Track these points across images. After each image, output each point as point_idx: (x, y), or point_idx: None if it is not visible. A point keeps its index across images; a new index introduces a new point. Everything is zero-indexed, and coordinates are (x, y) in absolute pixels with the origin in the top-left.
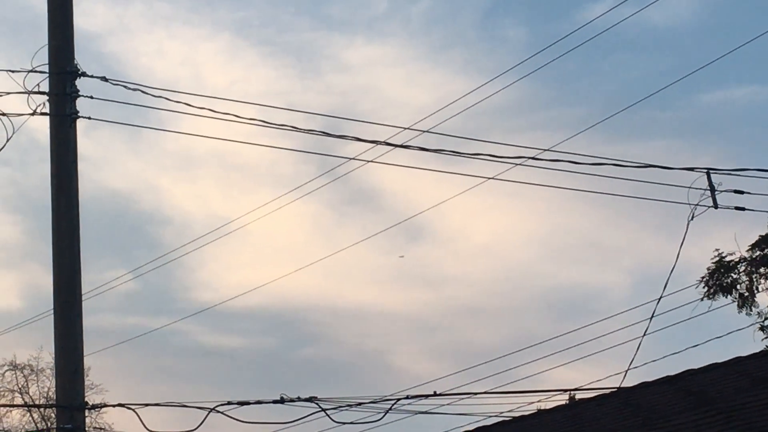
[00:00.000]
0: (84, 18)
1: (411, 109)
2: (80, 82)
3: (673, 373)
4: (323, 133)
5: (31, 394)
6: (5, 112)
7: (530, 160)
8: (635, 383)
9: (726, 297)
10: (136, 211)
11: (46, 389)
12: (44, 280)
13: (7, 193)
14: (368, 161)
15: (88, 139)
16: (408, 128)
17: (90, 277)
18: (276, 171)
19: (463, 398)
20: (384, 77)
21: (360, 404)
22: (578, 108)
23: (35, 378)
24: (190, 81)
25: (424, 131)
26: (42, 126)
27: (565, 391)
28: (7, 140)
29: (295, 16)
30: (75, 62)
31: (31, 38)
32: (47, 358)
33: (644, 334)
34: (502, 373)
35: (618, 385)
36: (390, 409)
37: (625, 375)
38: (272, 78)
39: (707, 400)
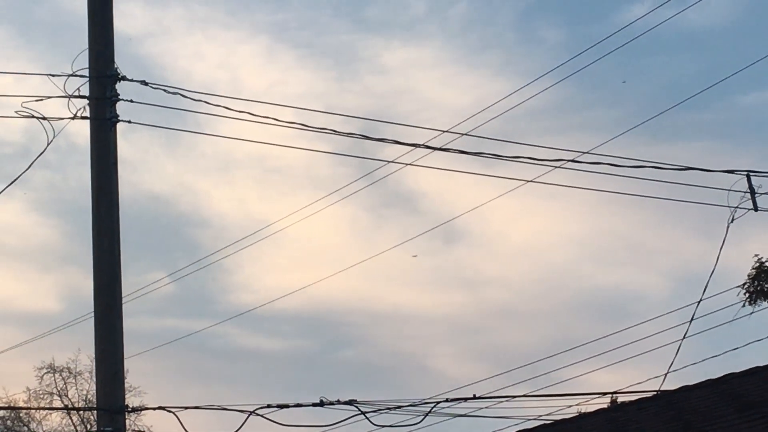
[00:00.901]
0: (122, 20)
1: (448, 112)
2: (119, 86)
3: (713, 376)
4: (362, 136)
5: (69, 396)
6: (46, 115)
7: (570, 162)
8: (675, 386)
9: (767, 302)
10: (174, 214)
11: (84, 392)
12: (82, 282)
13: (46, 197)
14: (407, 164)
15: (126, 141)
16: (447, 131)
17: (129, 280)
18: (313, 174)
19: (502, 401)
20: (421, 79)
21: (399, 407)
22: (616, 110)
23: (74, 381)
24: (228, 84)
25: (462, 134)
26: (80, 129)
27: (605, 394)
28: (48, 144)
29: (332, 18)
30: (115, 66)
31: (70, 41)
32: (85, 360)
33: (684, 337)
34: (541, 376)
35: (658, 389)
36: (429, 412)
37: (664, 378)
38: (310, 80)
39: (749, 404)
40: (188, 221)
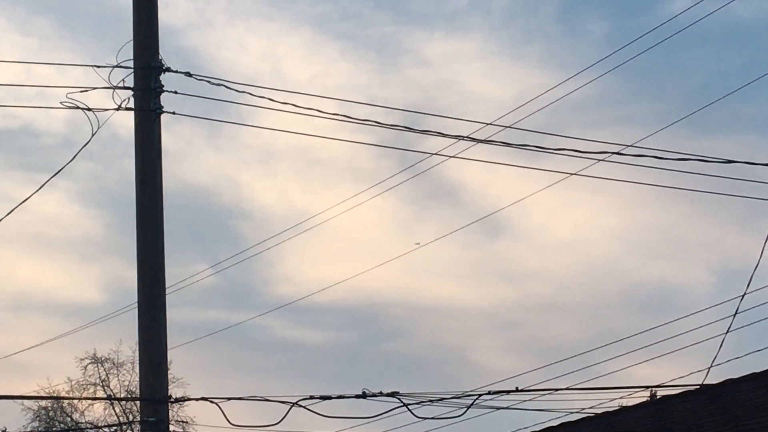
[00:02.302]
0: (165, 11)
1: (491, 104)
2: (163, 77)
3: (757, 370)
4: (406, 128)
5: (111, 387)
6: (90, 106)
7: (614, 155)
8: (718, 380)
9: None
10: (216, 206)
11: (126, 382)
12: (125, 273)
13: (89, 187)
14: (450, 156)
15: (168, 132)
16: (490, 123)
17: (171, 271)
18: (355, 165)
19: (544, 394)
20: (464, 72)
21: (442, 399)
22: (660, 103)
23: (116, 371)
24: (271, 75)
25: (506, 126)
26: (123, 120)
27: (648, 387)
28: (92, 135)
29: (375, 10)
30: (159, 57)
31: (113, 32)
32: (127, 351)
33: (728, 331)
34: (583, 370)
35: (701, 382)
36: (472, 404)
37: (708, 372)
38: (352, 72)
39: None
40: (230, 213)
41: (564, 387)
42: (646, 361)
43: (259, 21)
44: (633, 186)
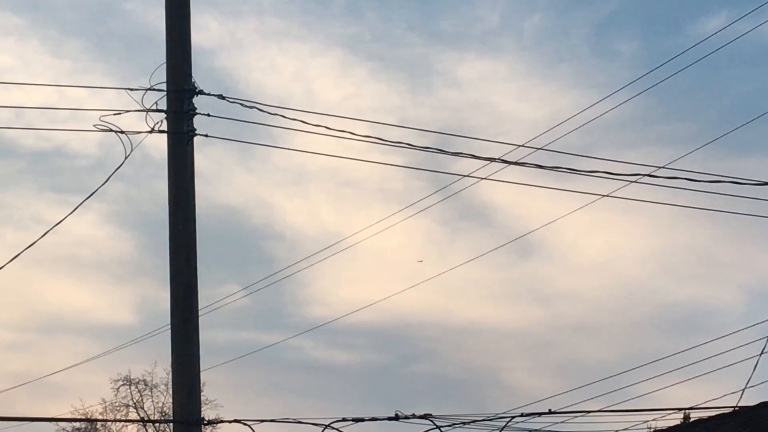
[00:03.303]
0: (197, 34)
1: (523, 125)
2: (195, 99)
3: None
4: (439, 150)
5: (145, 408)
6: (122, 129)
7: (646, 177)
8: (753, 402)
9: None
10: (248, 227)
11: (160, 404)
12: (157, 295)
13: (121, 209)
14: (482, 178)
15: (200, 154)
16: (522, 145)
17: (203, 293)
18: (387, 187)
19: (577, 416)
20: (496, 92)
21: (474, 421)
22: (693, 124)
23: (149, 393)
24: (302, 97)
25: (538, 148)
26: (155, 142)
27: (681, 409)
28: (126, 157)
29: (406, 31)
30: (192, 80)
31: (144, 54)
32: (161, 373)
33: (762, 353)
34: (616, 391)
35: (735, 404)
36: (505, 426)
37: (742, 394)
38: (384, 93)
39: None
40: (262, 234)
41: (596, 409)
42: (679, 383)
43: (290, 42)
44: (665, 207)
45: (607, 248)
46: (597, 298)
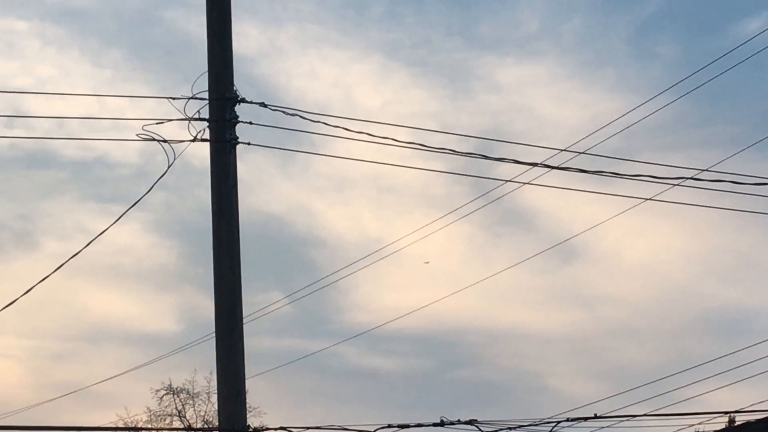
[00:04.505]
0: (237, 41)
1: (564, 129)
2: (237, 107)
3: None
4: (482, 156)
5: (188, 417)
6: (164, 138)
7: (690, 180)
8: None
9: None
10: (290, 234)
11: (202, 413)
12: (200, 303)
13: (163, 218)
14: (524, 183)
15: (241, 161)
16: (564, 150)
17: (246, 300)
18: (428, 193)
19: (622, 420)
20: (536, 97)
21: (520, 427)
22: (735, 126)
23: (192, 402)
24: (342, 103)
25: (579, 152)
26: (196, 150)
27: (726, 413)
28: (169, 166)
29: (446, 36)
30: (234, 88)
31: (184, 62)
32: (202, 381)
33: None
34: (661, 395)
35: None
36: (551, 431)
37: None
38: (424, 99)
39: None
40: (304, 241)
41: (642, 413)
42: (725, 386)
43: (330, 49)
44: (709, 210)
45: (650, 252)
46: (640, 301)
